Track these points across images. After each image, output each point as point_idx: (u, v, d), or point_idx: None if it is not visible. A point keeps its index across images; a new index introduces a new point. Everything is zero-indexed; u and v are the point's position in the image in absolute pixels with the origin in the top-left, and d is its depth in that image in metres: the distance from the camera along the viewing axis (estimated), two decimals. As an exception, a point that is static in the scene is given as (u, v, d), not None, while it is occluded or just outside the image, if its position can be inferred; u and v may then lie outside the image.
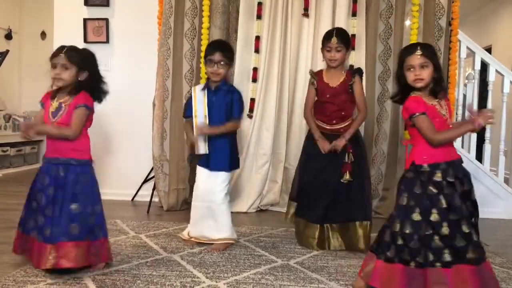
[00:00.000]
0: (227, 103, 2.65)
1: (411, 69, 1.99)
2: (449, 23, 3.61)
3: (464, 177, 2.00)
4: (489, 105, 3.99)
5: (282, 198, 3.89)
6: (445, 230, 1.90)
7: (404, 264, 1.92)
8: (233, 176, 3.75)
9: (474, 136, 3.98)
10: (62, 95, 2.24)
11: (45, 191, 2.18)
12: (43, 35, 6.49)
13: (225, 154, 2.67)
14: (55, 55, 2.21)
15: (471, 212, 1.97)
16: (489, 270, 1.96)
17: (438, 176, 1.95)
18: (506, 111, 3.99)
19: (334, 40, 2.70)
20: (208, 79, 2.73)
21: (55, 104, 2.23)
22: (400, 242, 1.93)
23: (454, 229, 1.90)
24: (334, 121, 2.77)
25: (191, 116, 2.65)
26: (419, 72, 1.97)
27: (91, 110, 2.25)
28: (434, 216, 1.91)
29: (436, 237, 1.89)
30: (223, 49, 2.65)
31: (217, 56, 2.60)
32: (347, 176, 2.69)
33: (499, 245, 3.00)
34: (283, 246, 2.78)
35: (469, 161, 3.88)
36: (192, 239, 2.74)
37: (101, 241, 2.25)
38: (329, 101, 2.77)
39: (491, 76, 3.96)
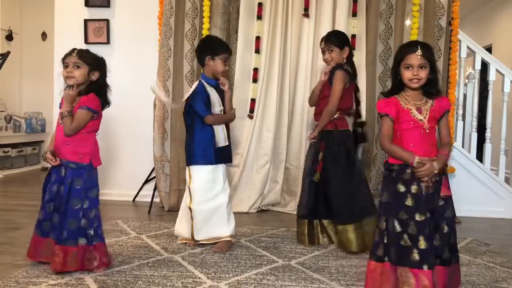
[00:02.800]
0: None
1: (409, 68, 1.99)
2: (449, 23, 3.61)
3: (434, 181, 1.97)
4: (490, 104, 4.00)
5: (283, 198, 3.90)
6: (411, 229, 1.91)
7: (396, 263, 1.95)
8: (233, 176, 3.77)
9: (474, 135, 3.99)
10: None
11: (50, 190, 2.24)
12: (44, 36, 6.50)
13: (188, 148, 2.72)
14: (67, 55, 2.24)
15: (441, 215, 1.96)
16: (457, 272, 2.00)
17: (407, 176, 1.96)
18: (506, 111, 3.98)
19: (322, 44, 2.84)
20: (204, 75, 2.73)
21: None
22: (385, 240, 1.97)
23: (421, 228, 1.91)
24: (318, 117, 2.85)
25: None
26: (417, 72, 1.97)
27: (94, 113, 2.23)
28: (402, 215, 1.94)
29: (405, 236, 1.92)
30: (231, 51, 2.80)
31: (228, 56, 2.72)
32: (317, 176, 2.74)
33: (499, 245, 3.00)
34: (284, 246, 2.78)
35: (469, 160, 3.89)
36: (198, 241, 2.72)
37: (96, 247, 2.24)
38: (319, 97, 2.89)
39: (492, 76, 3.96)
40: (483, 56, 3.95)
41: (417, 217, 1.92)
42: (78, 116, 2.19)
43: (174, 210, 3.71)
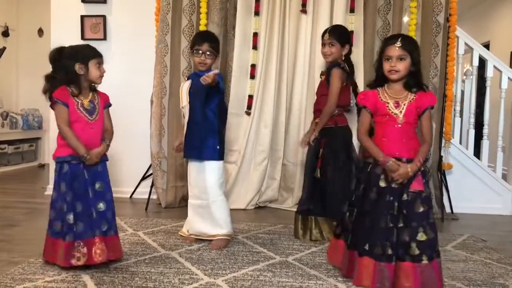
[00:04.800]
0: (203, 89, 2.56)
1: (389, 60, 2.00)
2: (447, 19, 3.60)
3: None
4: (487, 101, 4.00)
5: (281, 194, 3.90)
6: (367, 221, 2.02)
7: (349, 248, 2.11)
8: (231, 172, 3.76)
9: (472, 132, 3.99)
10: (85, 92, 2.25)
11: (91, 188, 2.24)
12: (41, 32, 6.47)
13: (214, 143, 2.61)
14: (99, 55, 2.26)
15: (410, 210, 1.97)
16: (435, 269, 1.97)
17: (378, 170, 2.02)
18: (504, 107, 3.98)
19: (326, 36, 2.79)
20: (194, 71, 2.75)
21: (87, 102, 2.24)
22: (347, 225, 2.13)
23: (386, 223, 1.97)
24: (316, 115, 2.85)
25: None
26: (395, 64, 1.99)
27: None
28: (366, 207, 2.03)
29: (366, 226, 2.02)
30: (210, 39, 2.67)
31: (205, 46, 2.62)
32: (317, 173, 2.75)
33: (497, 241, 3.00)
34: (281, 242, 2.78)
35: (467, 157, 3.89)
36: (192, 235, 2.74)
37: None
38: (316, 95, 2.90)
39: (489, 72, 3.96)
40: (481, 52, 3.95)
41: (378, 211, 1.99)
42: (109, 116, 2.38)
43: (171, 207, 3.71)
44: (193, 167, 2.69)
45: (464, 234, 3.11)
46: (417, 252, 1.94)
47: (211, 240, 2.66)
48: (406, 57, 1.98)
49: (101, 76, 2.26)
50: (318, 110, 2.83)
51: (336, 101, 2.71)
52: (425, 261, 1.94)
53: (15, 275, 2.14)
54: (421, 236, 1.95)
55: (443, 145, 3.74)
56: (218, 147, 2.62)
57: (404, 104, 2.00)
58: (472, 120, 4.03)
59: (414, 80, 2.02)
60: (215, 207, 2.64)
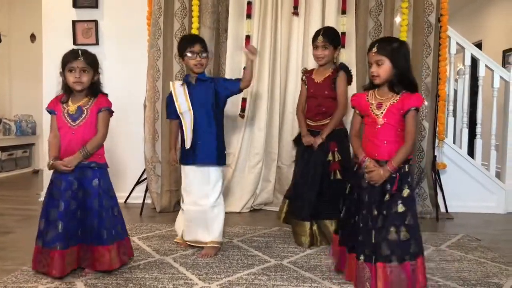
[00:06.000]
0: (211, 94, 2.59)
1: (370, 66, 2.07)
2: (439, 19, 3.62)
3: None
4: (480, 100, 4.02)
5: (276, 197, 3.89)
6: (352, 220, 2.09)
7: (339, 244, 2.21)
8: (226, 176, 3.75)
9: (465, 131, 4.01)
10: (78, 98, 2.25)
11: (75, 196, 2.19)
12: (33, 37, 6.43)
13: (213, 147, 2.58)
14: (71, 59, 2.19)
15: (389, 210, 1.97)
16: (406, 271, 1.92)
17: (362, 170, 2.07)
18: (496, 106, 4.00)
19: (320, 38, 2.77)
20: (187, 75, 2.71)
21: (72, 107, 2.23)
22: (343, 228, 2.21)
23: (365, 222, 2.02)
24: (317, 118, 2.81)
25: (175, 116, 2.62)
26: (374, 69, 2.04)
27: (112, 113, 2.31)
28: (351, 208, 2.13)
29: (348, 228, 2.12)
30: (200, 40, 2.67)
31: (197, 47, 2.58)
32: (337, 175, 2.70)
33: (491, 240, 3.01)
34: (276, 245, 2.78)
35: (461, 156, 3.90)
36: (187, 242, 2.70)
37: (126, 240, 2.35)
38: (312, 96, 2.85)
39: (481, 71, 3.97)
40: (472, 52, 3.96)
41: (360, 210, 2.05)
42: (105, 119, 2.26)
43: (166, 211, 3.70)
44: (193, 172, 2.60)
45: (458, 233, 3.12)
46: (387, 252, 1.92)
47: (203, 247, 2.61)
48: (383, 61, 2.01)
49: (75, 82, 2.18)
50: (323, 112, 2.78)
51: (347, 104, 2.70)
52: (394, 263, 1.91)
53: (8, 283, 2.12)
54: (391, 236, 1.93)
55: (436, 144, 3.75)
56: (225, 151, 2.67)
57: (386, 106, 2.03)
58: (465, 119, 4.05)
59: (398, 82, 2.02)
60: (215, 212, 2.59)
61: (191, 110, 2.56)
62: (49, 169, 2.21)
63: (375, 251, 1.95)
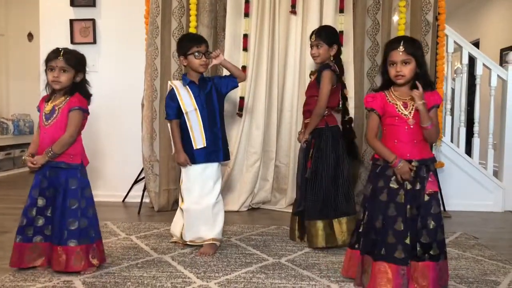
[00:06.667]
0: (213, 92, 2.64)
1: (393, 65, 1.99)
2: (436, 18, 3.62)
3: (417, 178, 1.99)
4: (477, 99, 4.03)
5: (274, 196, 3.89)
6: (378, 223, 1.99)
7: (361, 253, 2.04)
8: (223, 174, 3.75)
9: (463, 130, 4.02)
10: (57, 97, 2.24)
11: (44, 193, 2.22)
12: (30, 36, 6.43)
13: (219, 144, 2.64)
14: (52, 58, 2.19)
15: (427, 211, 1.98)
16: (446, 269, 2.04)
17: (390, 172, 2.00)
18: (493, 105, 4.01)
19: (312, 37, 2.79)
20: (184, 74, 2.70)
21: (48, 107, 2.23)
22: (360, 230, 2.08)
23: (389, 224, 1.96)
24: (306, 115, 2.84)
25: (176, 116, 2.62)
26: (400, 69, 1.97)
27: (86, 112, 2.26)
28: (380, 209, 2.01)
29: (377, 229, 1.99)
30: (206, 40, 2.70)
31: (203, 47, 2.59)
32: (308, 173, 2.73)
33: (488, 238, 3.02)
34: (274, 244, 2.78)
35: (458, 155, 3.91)
36: (187, 242, 2.67)
37: (98, 244, 2.29)
38: (305, 95, 2.90)
39: (479, 70, 3.98)
40: (470, 50, 3.97)
41: (390, 212, 1.97)
42: (74, 118, 2.20)
43: (164, 210, 3.69)
44: (196, 171, 2.60)
45: (456, 231, 3.13)
46: (437, 251, 1.98)
47: (201, 245, 2.61)
48: (410, 61, 1.97)
49: (53, 81, 2.18)
50: (307, 111, 2.82)
51: (326, 103, 2.69)
52: (442, 259, 2.00)
53: (6, 282, 2.12)
54: (439, 236, 2.00)
55: (434, 143, 3.75)
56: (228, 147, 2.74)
57: (412, 105, 1.98)
58: (463, 118, 4.06)
59: (422, 83, 1.98)
60: (217, 209, 2.61)
61: (197, 110, 2.58)
62: (21, 164, 2.28)
63: (417, 252, 1.96)
